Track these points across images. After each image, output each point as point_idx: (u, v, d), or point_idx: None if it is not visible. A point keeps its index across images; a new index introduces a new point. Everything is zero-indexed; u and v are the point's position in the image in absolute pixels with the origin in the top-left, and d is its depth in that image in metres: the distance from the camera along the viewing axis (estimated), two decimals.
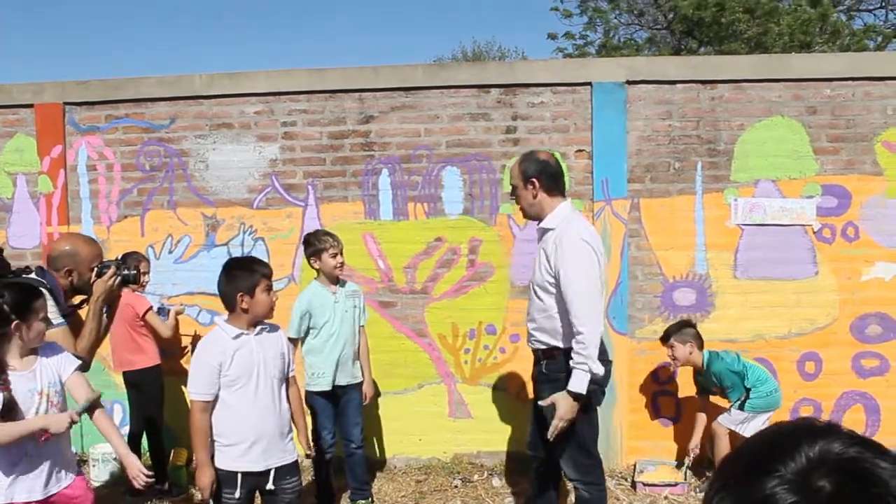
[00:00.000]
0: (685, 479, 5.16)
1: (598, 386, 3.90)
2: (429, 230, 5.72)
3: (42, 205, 6.04)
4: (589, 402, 3.82)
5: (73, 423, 3.07)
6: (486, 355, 5.70)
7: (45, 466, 3.11)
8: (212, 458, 3.49)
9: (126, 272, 3.76)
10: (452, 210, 5.67)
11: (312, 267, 4.80)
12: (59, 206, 6.01)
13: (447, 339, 5.75)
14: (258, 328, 3.52)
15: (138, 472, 3.20)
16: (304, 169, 5.78)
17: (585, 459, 3.95)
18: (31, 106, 6.05)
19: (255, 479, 3.49)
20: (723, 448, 5.03)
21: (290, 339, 4.72)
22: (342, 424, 4.89)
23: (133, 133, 5.95)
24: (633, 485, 5.21)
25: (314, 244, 4.74)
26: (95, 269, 3.72)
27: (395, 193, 5.70)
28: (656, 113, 5.53)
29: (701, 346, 5.11)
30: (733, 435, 5.05)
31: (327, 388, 4.75)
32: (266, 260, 5.68)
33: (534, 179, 3.84)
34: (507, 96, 5.66)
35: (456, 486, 5.35)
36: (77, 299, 3.75)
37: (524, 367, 5.59)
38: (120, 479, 5.41)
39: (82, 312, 3.72)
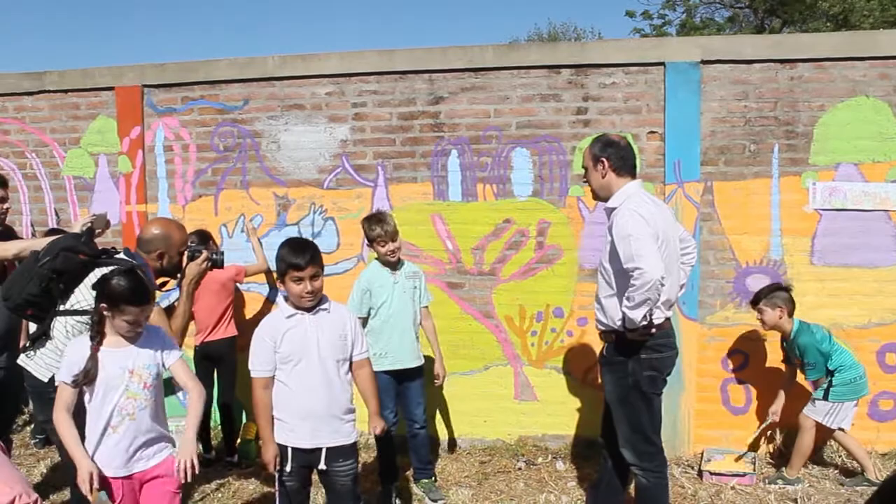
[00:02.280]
0: (754, 470, 5.04)
1: (658, 373, 3.88)
2: (497, 212, 5.70)
3: (122, 184, 6.25)
4: (644, 387, 3.84)
5: (92, 480, 3.04)
6: (553, 338, 5.67)
7: (130, 443, 3.19)
8: None
9: (215, 256, 3.97)
10: (521, 192, 5.64)
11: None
12: (137, 185, 6.20)
13: (514, 321, 5.73)
14: (316, 308, 3.52)
15: (186, 462, 3.15)
16: (373, 150, 5.83)
17: (645, 446, 3.92)
18: (111, 89, 6.27)
19: (306, 456, 3.51)
20: (807, 442, 4.90)
21: None
22: (405, 405, 4.93)
23: (208, 114, 6.09)
24: (700, 473, 5.11)
25: (366, 232, 4.80)
26: (186, 252, 3.90)
27: (465, 175, 5.70)
28: (732, 94, 5.38)
29: (791, 313, 4.96)
30: (819, 428, 4.92)
31: (390, 367, 4.79)
32: (336, 239, 5.84)
33: (603, 159, 3.90)
34: (579, 77, 5.58)
35: (520, 469, 5.35)
36: (159, 281, 3.88)
37: (591, 351, 5.57)
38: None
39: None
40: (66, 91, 6.39)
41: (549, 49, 6.17)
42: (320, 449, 3.50)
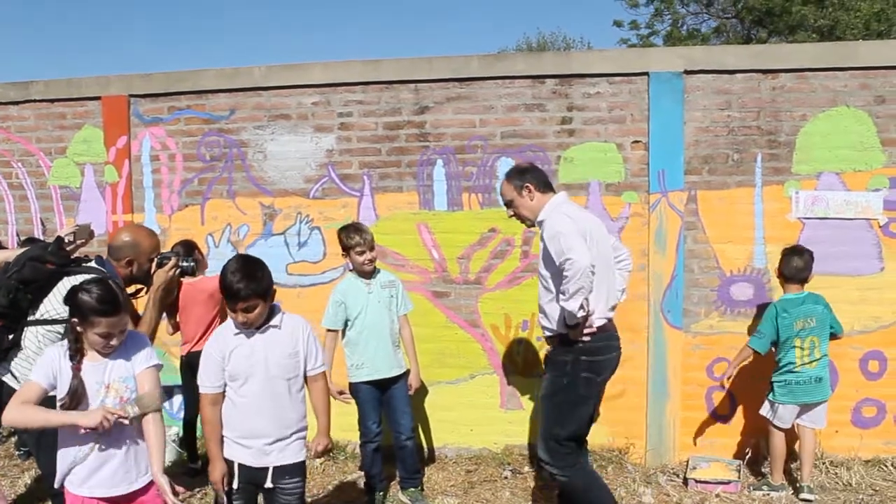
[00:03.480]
0: (739, 478, 5.06)
1: (595, 375, 3.99)
2: (483, 221, 5.72)
3: (108, 194, 6.24)
4: (577, 389, 3.96)
5: (107, 420, 2.90)
6: (539, 347, 5.68)
7: (114, 464, 3.08)
8: None
9: (185, 264, 3.88)
10: None
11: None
12: (123, 195, 6.20)
13: (500, 329, 5.75)
14: (265, 326, 3.38)
15: (171, 498, 3.05)
16: (359, 159, 5.84)
17: (559, 447, 4.04)
18: (97, 98, 6.27)
19: (252, 474, 3.40)
20: (774, 444, 4.94)
21: (330, 330, 4.81)
22: (391, 414, 4.94)
23: (194, 124, 6.10)
24: (685, 481, 5.13)
25: (343, 241, 4.80)
26: (155, 259, 3.86)
27: (450, 184, 5.72)
28: (715, 103, 5.42)
29: (789, 280, 4.95)
30: (791, 433, 4.97)
31: (368, 378, 4.81)
32: (322, 249, 5.85)
33: (527, 185, 4.16)
34: (563, 87, 5.62)
35: (506, 477, 5.36)
36: (132, 289, 3.87)
37: None
38: (180, 462, 5.58)
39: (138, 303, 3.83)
40: (51, 101, 6.39)
41: (533, 59, 6.20)
42: (267, 468, 3.39)
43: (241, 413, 3.37)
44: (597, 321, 3.95)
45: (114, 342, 3.05)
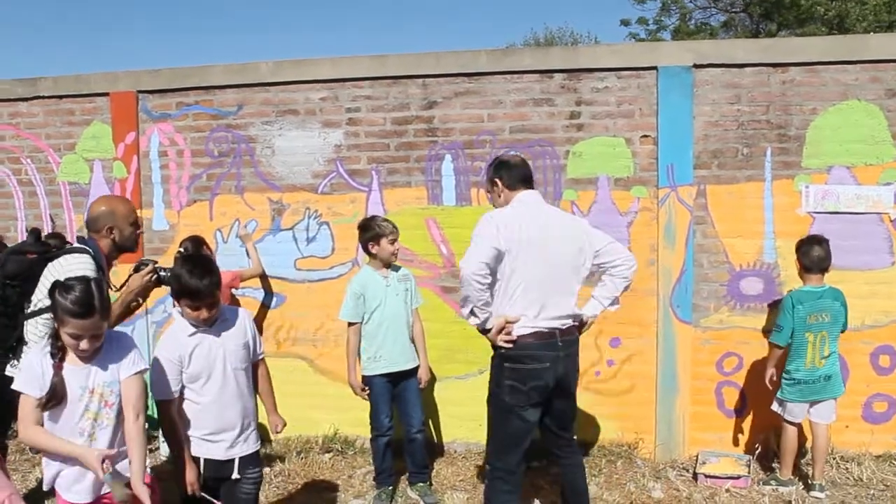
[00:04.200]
0: (748, 473, 5.05)
1: (520, 384, 3.82)
2: None
3: (116, 190, 6.25)
4: (502, 395, 3.87)
5: (100, 470, 2.92)
6: None
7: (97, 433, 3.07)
8: None
9: (162, 273, 3.84)
10: None
11: (369, 252, 4.85)
12: (132, 190, 6.21)
13: None
14: (217, 321, 3.45)
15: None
16: (367, 154, 5.84)
17: (492, 456, 4.03)
18: (106, 94, 6.28)
19: (218, 467, 3.47)
20: (786, 438, 4.92)
21: (351, 324, 4.82)
22: (402, 408, 4.94)
23: (202, 120, 6.11)
24: (695, 476, 5.12)
25: (374, 229, 4.79)
26: (135, 265, 3.87)
27: (459, 179, 5.71)
28: (724, 97, 5.40)
29: (808, 270, 4.84)
30: (802, 429, 4.95)
31: (384, 371, 4.81)
32: (331, 244, 5.85)
33: (496, 180, 4.07)
34: (571, 81, 5.60)
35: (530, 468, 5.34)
36: (117, 279, 3.89)
37: (585, 356, 5.55)
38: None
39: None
40: (60, 97, 6.40)
41: (541, 54, 6.18)
42: (233, 459, 3.48)
43: (208, 411, 3.43)
44: (519, 330, 3.78)
45: (83, 345, 2.98)
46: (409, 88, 5.77)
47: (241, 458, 3.50)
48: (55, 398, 2.98)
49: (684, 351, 5.45)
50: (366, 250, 4.89)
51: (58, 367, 3.00)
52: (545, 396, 3.87)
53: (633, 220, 5.55)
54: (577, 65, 5.60)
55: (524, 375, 3.81)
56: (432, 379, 5.08)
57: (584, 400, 5.63)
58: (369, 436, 5.00)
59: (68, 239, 5.92)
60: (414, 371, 4.94)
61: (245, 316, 3.60)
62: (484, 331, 3.89)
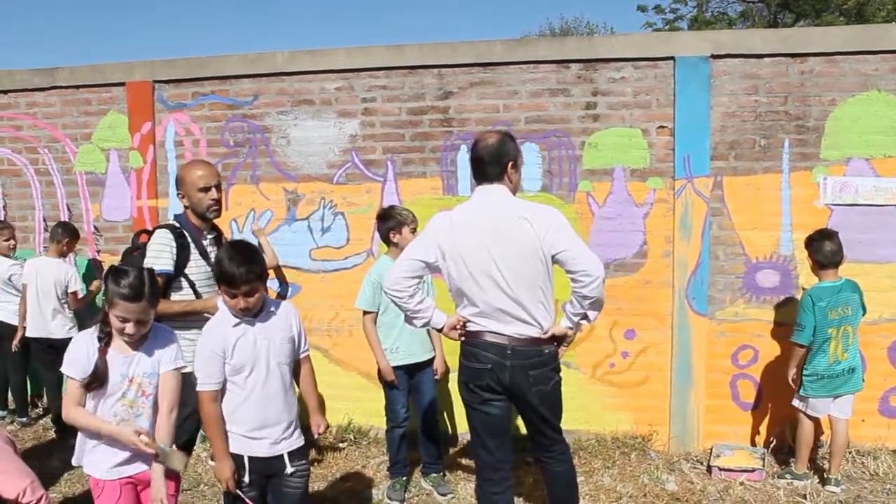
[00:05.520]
0: (763, 466, 5.03)
1: (468, 380, 3.74)
2: None
3: (133, 179, 6.28)
4: (462, 393, 3.82)
5: (137, 445, 3.10)
6: None
7: (124, 447, 3.16)
8: None
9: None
10: (531, 186, 5.61)
11: (389, 241, 4.82)
12: (148, 180, 6.24)
13: None
14: (263, 313, 3.35)
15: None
16: (383, 144, 5.84)
17: (473, 454, 3.99)
18: (122, 84, 6.30)
19: (263, 464, 3.35)
20: (803, 432, 4.89)
21: (367, 312, 4.81)
22: (417, 399, 4.95)
23: (218, 109, 6.12)
24: (709, 469, 5.11)
25: (395, 217, 4.78)
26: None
27: None
28: (742, 88, 5.35)
29: (823, 267, 4.77)
30: (819, 423, 4.93)
31: (402, 362, 4.81)
32: (346, 234, 5.86)
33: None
34: (588, 71, 5.57)
35: (528, 463, 5.35)
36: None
37: (599, 348, 5.58)
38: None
39: None
40: (77, 87, 6.43)
41: (557, 44, 6.15)
42: (280, 455, 3.36)
43: (250, 405, 3.30)
44: (469, 326, 3.69)
45: (129, 329, 3.10)
46: (425, 78, 5.76)
47: (289, 453, 3.39)
48: (96, 381, 3.11)
49: (699, 343, 5.43)
50: (385, 240, 4.86)
51: (102, 352, 3.13)
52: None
53: (648, 212, 5.52)
54: (594, 55, 5.57)
55: (468, 374, 3.73)
56: (447, 370, 5.07)
57: (598, 391, 5.64)
58: (383, 426, 5.01)
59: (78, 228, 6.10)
60: (430, 362, 4.94)
61: (291, 310, 3.49)
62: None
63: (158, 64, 6.24)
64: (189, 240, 4.05)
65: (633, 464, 5.30)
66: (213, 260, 3.96)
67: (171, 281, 4.00)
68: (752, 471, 4.98)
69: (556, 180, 5.63)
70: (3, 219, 6.57)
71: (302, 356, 3.54)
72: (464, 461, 5.41)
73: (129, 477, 3.21)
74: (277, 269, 5.94)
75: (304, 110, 5.95)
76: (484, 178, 3.71)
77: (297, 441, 3.44)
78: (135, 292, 3.06)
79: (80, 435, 3.23)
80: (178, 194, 4.19)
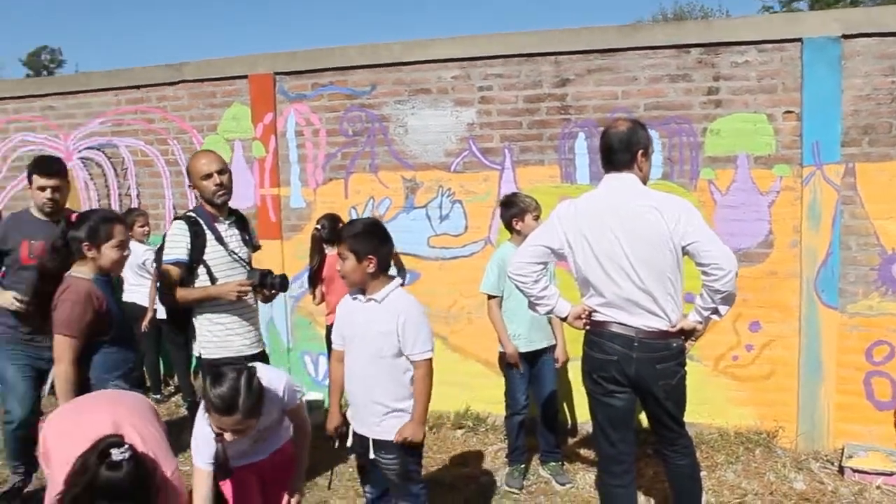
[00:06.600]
0: None
1: (591, 370, 3.69)
2: None
3: (255, 168, 6.48)
4: (585, 383, 3.79)
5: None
6: None
7: (247, 447, 3.27)
8: None
9: (272, 280, 4.13)
10: (651, 174, 5.48)
11: (512, 228, 4.81)
12: (270, 169, 6.43)
13: None
14: (366, 298, 3.45)
15: None
16: (500, 133, 5.83)
17: (596, 445, 3.91)
18: (245, 77, 6.50)
19: (358, 439, 3.58)
20: None
21: (492, 297, 4.83)
22: (536, 387, 4.94)
23: (337, 100, 6.24)
24: (841, 470, 4.90)
25: (518, 205, 4.77)
26: (261, 272, 4.17)
27: (592, 157, 5.61)
28: (877, 69, 5.08)
29: None
30: None
31: (524, 349, 4.80)
32: (464, 222, 5.89)
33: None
34: (709, 56, 5.41)
35: (649, 455, 5.27)
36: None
37: (722, 340, 5.43)
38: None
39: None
40: (202, 80, 6.68)
41: (676, 28, 5.99)
42: (367, 438, 3.50)
43: (346, 376, 3.58)
44: (594, 315, 3.65)
45: (227, 437, 3.00)
46: (542, 66, 5.71)
47: (374, 441, 3.48)
48: (223, 472, 3.13)
49: (829, 337, 5.21)
50: (508, 226, 4.85)
51: (220, 441, 3.04)
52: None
53: (774, 200, 5.32)
54: (715, 39, 5.39)
55: (591, 364, 3.72)
56: (567, 359, 5.04)
57: (721, 384, 5.50)
58: (500, 413, 5.03)
59: None
60: (550, 350, 4.92)
61: (402, 311, 3.40)
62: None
63: (279, 57, 6.42)
64: (204, 227, 4.13)
65: (758, 460, 5.15)
66: (229, 245, 4.17)
67: (188, 269, 4.11)
68: (891, 474, 4.73)
69: (676, 168, 5.50)
70: (137, 206, 6.90)
71: (413, 359, 3.45)
72: (583, 451, 5.38)
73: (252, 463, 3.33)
74: (395, 255, 6.02)
75: (421, 99, 6.00)
76: (613, 167, 3.66)
77: (385, 434, 3.45)
78: (226, 405, 2.88)
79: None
80: (188, 187, 4.32)
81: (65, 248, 3.69)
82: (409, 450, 3.48)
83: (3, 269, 4.51)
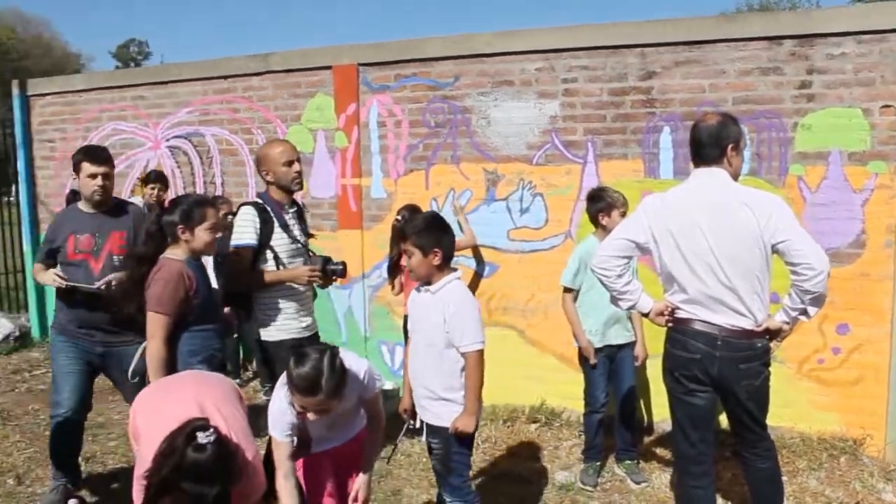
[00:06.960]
0: None
1: (673, 368, 3.64)
2: None
3: (338, 159, 6.58)
4: (666, 381, 3.74)
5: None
6: None
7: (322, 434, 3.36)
8: None
9: (332, 267, 4.27)
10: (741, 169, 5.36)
11: (597, 223, 4.77)
12: (352, 159, 6.52)
13: None
14: (425, 289, 3.55)
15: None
16: (583, 126, 5.77)
17: (675, 444, 3.81)
18: (329, 68, 6.60)
19: (422, 426, 3.70)
20: None
21: (567, 290, 4.80)
22: (615, 383, 4.90)
23: (420, 91, 6.28)
24: None
25: (605, 199, 4.73)
26: (323, 258, 4.30)
27: (677, 152, 5.51)
28: None
29: None
30: None
31: (599, 345, 4.77)
32: (544, 215, 5.87)
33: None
34: (803, 48, 5.23)
35: (727, 458, 5.16)
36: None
37: (807, 342, 5.27)
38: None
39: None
40: (288, 71, 6.81)
41: (769, 19, 5.82)
42: (423, 420, 3.65)
43: (409, 362, 3.72)
44: (676, 313, 3.58)
45: (310, 417, 3.02)
46: (627, 58, 5.63)
47: (425, 424, 3.62)
48: (302, 447, 3.26)
49: None
50: (594, 221, 4.81)
51: (300, 418, 3.11)
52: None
53: (868, 198, 5.13)
54: (810, 30, 5.21)
55: (673, 362, 3.67)
56: (647, 356, 4.97)
57: (805, 388, 5.34)
58: (576, 408, 5.01)
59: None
60: (629, 346, 4.87)
61: (451, 302, 3.43)
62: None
63: (364, 48, 6.49)
64: (272, 214, 4.20)
65: (843, 468, 4.98)
66: (293, 233, 4.28)
67: (257, 254, 4.18)
68: None
69: (765, 164, 5.35)
70: (221, 194, 7.08)
71: (462, 350, 3.45)
72: (659, 451, 5.31)
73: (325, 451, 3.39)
74: (475, 247, 6.04)
75: (504, 91, 5.98)
76: (702, 161, 3.59)
77: (436, 420, 3.54)
78: (310, 385, 2.88)
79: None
80: (261, 172, 4.32)
81: (159, 232, 3.82)
82: (458, 440, 3.52)
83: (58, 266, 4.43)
